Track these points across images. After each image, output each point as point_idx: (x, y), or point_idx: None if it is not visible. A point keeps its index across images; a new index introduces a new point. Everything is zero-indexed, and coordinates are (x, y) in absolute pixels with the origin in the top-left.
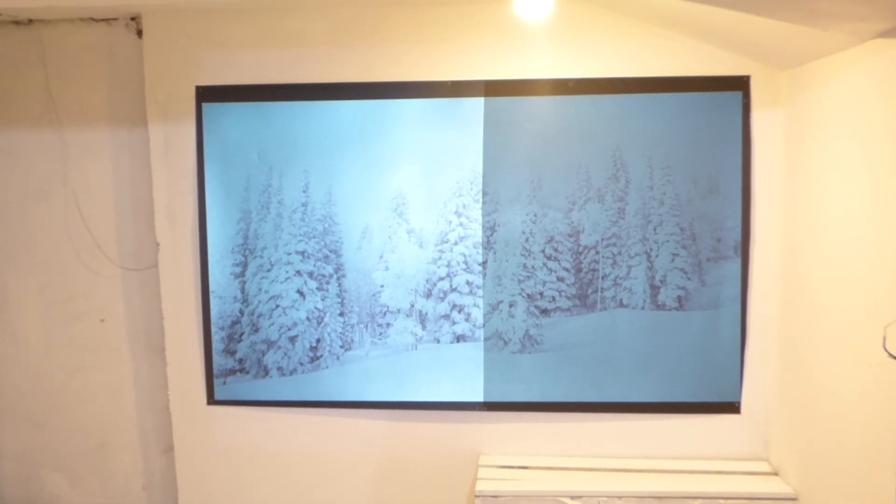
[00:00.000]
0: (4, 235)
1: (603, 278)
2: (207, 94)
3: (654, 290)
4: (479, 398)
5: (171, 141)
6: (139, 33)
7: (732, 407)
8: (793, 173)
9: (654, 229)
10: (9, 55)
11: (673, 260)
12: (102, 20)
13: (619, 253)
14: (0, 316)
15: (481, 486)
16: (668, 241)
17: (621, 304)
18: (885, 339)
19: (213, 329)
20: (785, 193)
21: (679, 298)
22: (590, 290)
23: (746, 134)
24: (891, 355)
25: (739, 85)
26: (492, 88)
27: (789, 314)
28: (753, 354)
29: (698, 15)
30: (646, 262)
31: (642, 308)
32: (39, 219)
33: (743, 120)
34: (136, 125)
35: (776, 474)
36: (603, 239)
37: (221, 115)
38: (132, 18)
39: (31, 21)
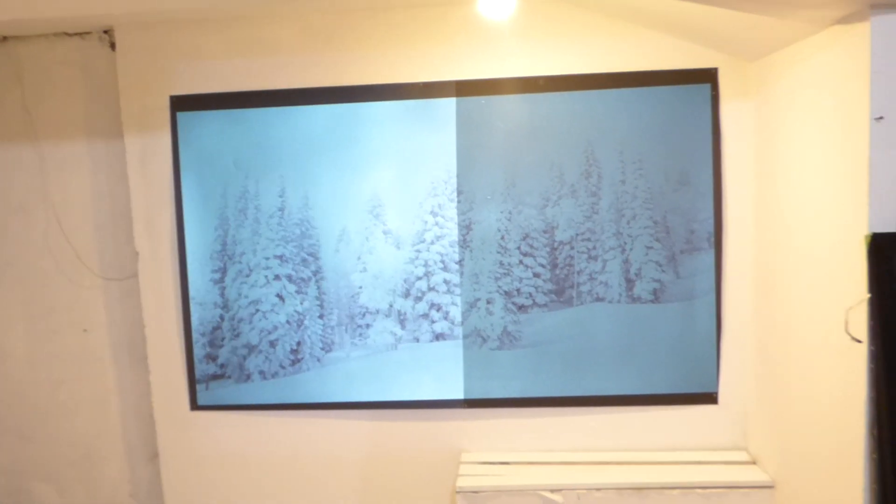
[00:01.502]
0: None
1: (578, 273)
2: (181, 104)
3: (630, 283)
4: (460, 395)
5: (148, 151)
6: (112, 46)
7: (710, 397)
8: (763, 163)
9: (628, 223)
10: None
11: (647, 253)
12: (76, 34)
13: (594, 247)
14: None
15: (462, 482)
16: (641, 235)
17: (597, 299)
18: (846, 322)
19: (195, 335)
20: (756, 183)
21: (654, 291)
22: (566, 286)
23: (716, 126)
24: (853, 338)
25: (707, 77)
26: (463, 88)
27: (763, 304)
28: (729, 345)
29: (664, 9)
30: (620, 255)
31: (618, 301)
32: (20, 233)
33: (712, 112)
34: (113, 137)
35: (754, 463)
36: (577, 234)
37: (196, 123)
38: (105, 32)
39: (5, 38)
